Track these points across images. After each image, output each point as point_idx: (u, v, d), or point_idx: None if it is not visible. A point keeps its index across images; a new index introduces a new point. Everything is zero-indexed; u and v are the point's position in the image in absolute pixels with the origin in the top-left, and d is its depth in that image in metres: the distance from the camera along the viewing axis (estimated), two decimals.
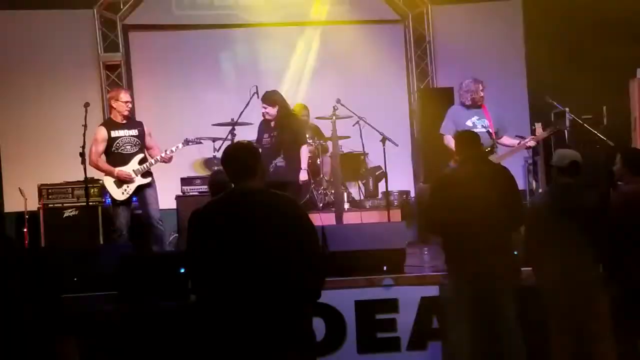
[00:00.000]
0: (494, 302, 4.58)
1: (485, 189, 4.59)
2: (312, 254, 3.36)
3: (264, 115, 7.18)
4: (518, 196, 4.88)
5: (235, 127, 7.71)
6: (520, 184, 6.77)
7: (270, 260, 3.25)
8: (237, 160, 3.46)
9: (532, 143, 7.15)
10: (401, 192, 8.62)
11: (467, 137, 4.95)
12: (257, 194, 3.40)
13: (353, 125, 8.12)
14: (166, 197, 7.76)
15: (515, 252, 4.82)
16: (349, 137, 8.40)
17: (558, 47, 9.13)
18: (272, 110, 7.12)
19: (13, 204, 8.03)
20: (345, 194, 8.35)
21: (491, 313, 4.58)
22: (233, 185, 3.48)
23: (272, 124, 7.18)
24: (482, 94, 7.04)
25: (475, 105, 7.03)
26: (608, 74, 8.67)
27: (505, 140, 7.18)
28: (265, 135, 7.19)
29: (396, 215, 7.98)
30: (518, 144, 7.13)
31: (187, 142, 7.16)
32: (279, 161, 7.17)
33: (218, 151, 8.26)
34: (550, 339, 4.65)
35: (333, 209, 7.89)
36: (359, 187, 8.93)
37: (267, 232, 3.27)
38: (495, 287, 4.59)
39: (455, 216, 4.55)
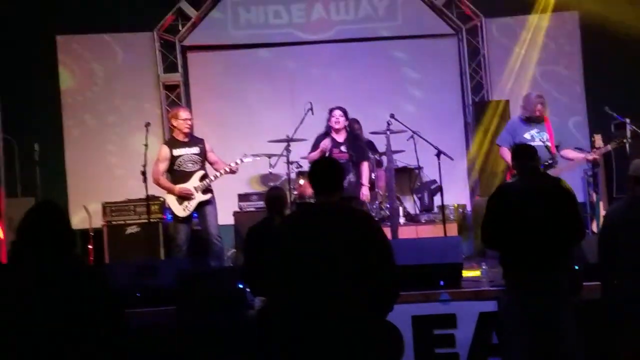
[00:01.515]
0: (553, 318, 4.51)
1: (543, 202, 4.53)
2: (386, 269, 3.41)
3: (335, 124, 7.25)
4: (577, 210, 4.79)
5: (290, 143, 7.79)
6: (580, 197, 6.67)
7: (344, 273, 3.31)
8: (324, 175, 3.56)
9: (594, 157, 6.95)
10: (457, 206, 8.56)
11: (523, 150, 4.89)
12: (337, 208, 3.51)
13: (407, 140, 8.12)
14: (223, 213, 7.87)
15: (576, 267, 4.73)
16: (403, 151, 8.40)
17: (616, 57, 8.97)
18: (345, 123, 7.29)
19: (78, 222, 8.28)
20: (400, 208, 8.33)
21: (551, 329, 4.51)
22: (316, 198, 3.59)
23: (340, 139, 7.23)
24: (541, 108, 6.90)
25: (536, 119, 6.90)
26: None
27: (568, 153, 7.00)
28: (336, 150, 7.28)
29: (452, 229, 7.92)
30: (581, 157, 6.98)
31: (245, 157, 7.25)
32: (351, 176, 7.32)
33: (274, 167, 8.38)
34: (619, 356, 4.53)
35: (388, 223, 7.89)
36: (414, 201, 8.91)
37: (343, 246, 3.34)
38: (555, 302, 4.51)
39: (513, 230, 4.51)
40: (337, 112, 7.34)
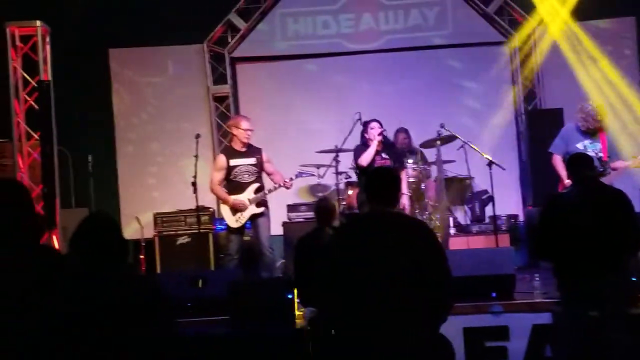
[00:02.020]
0: (608, 330, 4.39)
1: (598, 212, 4.44)
2: (442, 279, 3.39)
3: (379, 135, 7.20)
4: (635, 219, 4.67)
5: (339, 154, 7.79)
6: (638, 206, 6.47)
7: (400, 284, 3.29)
8: (379, 184, 3.57)
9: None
10: (509, 216, 8.43)
11: (579, 159, 4.80)
12: (392, 216, 3.51)
13: (458, 149, 8.04)
14: (273, 224, 7.89)
15: (634, 278, 4.61)
16: (453, 161, 8.32)
17: None
18: (379, 131, 7.23)
19: (130, 232, 8.41)
20: (450, 219, 8.24)
21: (606, 341, 4.39)
22: (369, 207, 3.59)
23: (379, 147, 7.22)
24: (598, 120, 6.75)
25: (593, 130, 6.76)
26: None
27: (618, 164, 6.87)
28: (378, 158, 7.24)
29: (504, 239, 7.80)
30: (628, 165, 6.82)
31: (299, 174, 7.33)
32: None
33: (322, 178, 8.38)
34: None
35: (438, 234, 7.80)
36: (465, 212, 8.80)
37: (399, 254, 3.34)
38: (610, 315, 4.40)
39: (567, 240, 4.42)
40: (376, 124, 7.25)
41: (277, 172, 7.09)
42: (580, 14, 9.03)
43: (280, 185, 7.00)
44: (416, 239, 3.40)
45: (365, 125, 7.45)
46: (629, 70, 9.11)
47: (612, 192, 4.77)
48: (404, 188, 7.20)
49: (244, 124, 7.06)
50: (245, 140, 7.01)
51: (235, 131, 7.07)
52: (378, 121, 7.32)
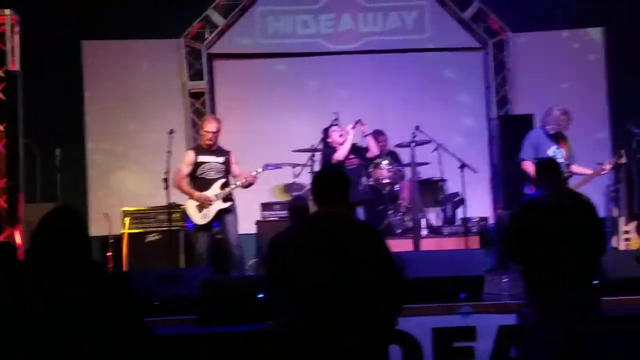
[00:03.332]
0: (574, 332, 4.48)
1: (568, 216, 4.51)
2: (389, 281, 3.36)
3: (353, 127, 7.47)
4: (600, 225, 4.77)
5: (315, 153, 7.81)
6: (601, 212, 6.60)
7: (347, 286, 3.26)
8: (325, 185, 3.52)
9: (606, 171, 6.90)
10: (480, 219, 8.52)
11: (548, 165, 4.88)
12: (338, 219, 3.43)
13: (432, 152, 8.12)
14: (246, 222, 7.90)
15: (596, 281, 4.70)
16: (427, 163, 8.39)
17: None
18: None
19: (98, 229, 8.34)
20: (423, 220, 8.31)
21: (571, 342, 4.47)
22: (316, 209, 3.54)
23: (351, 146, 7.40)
24: (567, 123, 6.87)
25: (559, 135, 6.87)
26: None
27: (577, 168, 7.00)
28: (352, 156, 7.38)
29: (474, 242, 7.88)
30: (593, 171, 6.93)
31: (266, 167, 7.30)
32: (364, 180, 7.71)
33: (298, 177, 8.39)
34: None
35: (411, 235, 7.87)
36: (437, 214, 8.88)
37: (344, 258, 3.29)
38: (578, 317, 4.48)
39: (538, 243, 4.49)
40: (336, 127, 7.63)
41: (242, 175, 7.07)
42: (550, 23, 9.17)
43: (246, 179, 6.98)
44: (363, 241, 3.35)
45: (326, 131, 7.60)
46: (597, 79, 9.25)
47: (579, 197, 4.86)
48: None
49: (208, 126, 7.04)
50: (208, 142, 6.99)
51: (201, 131, 7.11)
52: (338, 125, 7.60)
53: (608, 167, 6.86)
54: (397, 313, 3.41)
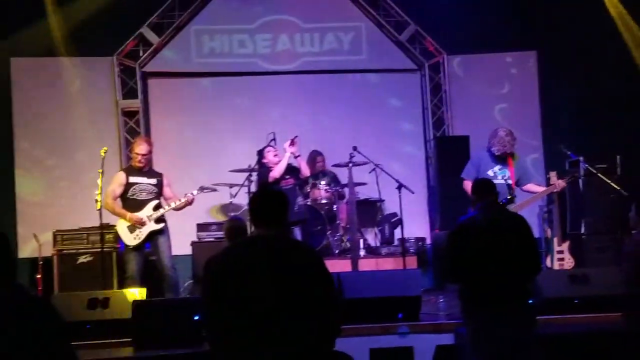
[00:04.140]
0: (510, 351, 4.51)
1: (503, 237, 4.55)
2: (327, 302, 3.31)
3: (290, 145, 7.50)
4: (535, 244, 4.83)
5: (252, 173, 7.75)
6: (535, 233, 6.72)
7: (284, 308, 3.20)
8: (263, 206, 3.44)
9: (560, 187, 7.03)
10: (417, 239, 8.58)
11: (482, 185, 4.92)
12: (276, 240, 3.36)
13: (369, 172, 8.16)
14: (182, 243, 7.77)
15: (530, 301, 4.75)
16: (365, 183, 8.43)
17: (572, 97, 9.19)
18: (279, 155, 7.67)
19: (28, 250, 8.04)
20: (361, 241, 8.32)
21: None
22: (253, 230, 3.47)
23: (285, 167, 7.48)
24: (512, 144, 6.99)
25: (503, 156, 6.98)
26: (622, 124, 8.71)
27: (531, 187, 7.12)
28: (287, 176, 7.43)
29: (412, 262, 7.94)
30: (546, 188, 7.08)
31: (202, 190, 7.19)
32: (300, 200, 7.75)
33: (234, 197, 8.31)
34: None
35: (349, 255, 7.86)
36: (375, 234, 8.91)
37: (282, 280, 3.22)
38: (512, 336, 4.51)
39: (473, 264, 4.51)
40: (270, 149, 7.72)
41: (174, 197, 6.96)
42: (485, 45, 9.37)
43: (180, 201, 6.87)
44: (302, 263, 3.30)
45: (261, 152, 7.58)
46: (530, 102, 9.49)
47: (513, 217, 4.92)
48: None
49: (138, 148, 6.91)
50: (139, 165, 6.88)
51: (131, 153, 6.97)
52: (272, 146, 7.68)
53: (561, 184, 6.98)
54: (335, 334, 3.36)
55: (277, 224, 3.39)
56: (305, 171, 7.76)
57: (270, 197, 3.50)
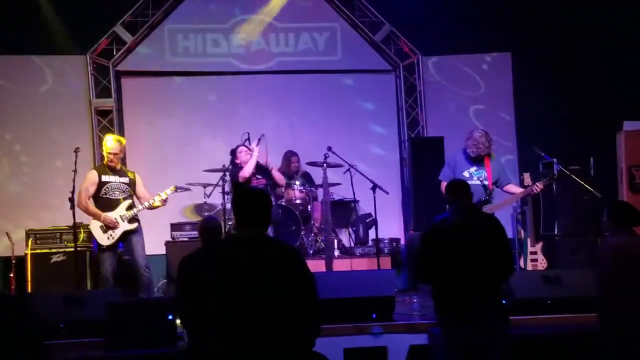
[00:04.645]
0: (483, 351, 4.55)
1: (476, 238, 4.58)
2: (308, 303, 3.32)
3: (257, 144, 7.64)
4: (508, 245, 4.87)
5: (226, 173, 7.73)
6: (509, 234, 6.79)
7: (265, 307, 3.20)
8: (246, 206, 3.44)
9: (538, 189, 7.07)
10: (391, 240, 8.62)
11: (455, 186, 4.96)
12: (257, 240, 3.35)
13: (344, 173, 8.18)
14: (156, 243, 7.73)
15: (504, 301, 4.79)
16: (339, 184, 8.45)
17: (546, 99, 9.28)
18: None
19: (1, 249, 7.93)
20: (335, 241, 8.34)
21: None
22: (233, 229, 3.46)
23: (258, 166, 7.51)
24: (487, 146, 7.01)
25: (479, 157, 7.02)
26: (595, 126, 8.82)
27: (511, 188, 7.15)
28: (253, 179, 7.62)
29: (386, 262, 7.96)
30: (524, 190, 7.12)
31: (176, 189, 7.15)
32: (274, 200, 7.75)
33: (209, 197, 8.28)
34: None
35: (323, 255, 7.87)
36: (349, 234, 8.93)
37: (262, 279, 3.22)
38: (486, 336, 4.55)
39: (446, 264, 4.54)
40: (243, 148, 7.83)
41: (146, 197, 6.91)
42: (461, 46, 9.44)
43: (154, 200, 6.83)
44: (284, 264, 3.30)
45: (234, 152, 7.61)
46: (505, 103, 9.58)
47: (486, 218, 4.97)
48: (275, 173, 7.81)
49: (110, 147, 6.82)
50: (111, 164, 6.81)
51: (103, 152, 6.95)
52: (246, 146, 7.76)
53: (539, 187, 7.03)
54: (316, 334, 3.38)
55: (261, 224, 3.40)
56: (281, 181, 7.83)
57: (254, 196, 3.49)
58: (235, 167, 7.61)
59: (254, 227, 3.36)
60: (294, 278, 3.28)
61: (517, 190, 7.14)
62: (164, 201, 6.88)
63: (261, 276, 3.22)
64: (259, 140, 7.54)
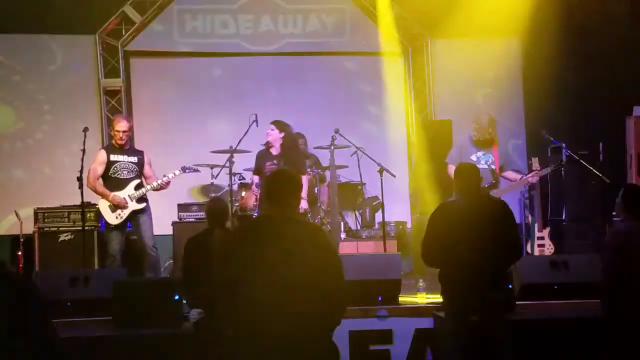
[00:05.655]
0: (488, 335, 4.56)
1: (483, 222, 4.58)
2: (334, 283, 3.35)
3: (267, 136, 7.24)
4: (516, 230, 4.88)
5: (234, 154, 7.72)
6: (517, 218, 6.78)
7: (291, 287, 3.24)
8: (275, 186, 3.47)
9: (533, 179, 7.11)
10: (398, 223, 8.62)
11: (465, 169, 4.94)
12: (285, 221, 3.40)
13: (351, 155, 8.16)
14: (163, 223, 7.75)
15: (510, 286, 4.80)
16: (346, 166, 8.43)
17: (556, 84, 9.20)
18: (277, 135, 7.23)
19: (9, 227, 7.97)
20: (341, 224, 8.34)
21: (486, 346, 4.55)
22: (265, 209, 3.52)
23: (275, 152, 7.24)
24: (492, 131, 7.01)
25: (484, 142, 7.02)
26: (605, 111, 8.75)
27: (509, 174, 7.18)
28: (268, 163, 7.28)
29: (392, 246, 7.96)
30: (520, 179, 7.14)
31: (184, 170, 7.16)
32: None
33: (216, 178, 8.28)
34: None
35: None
36: (356, 217, 8.93)
37: (290, 260, 3.26)
38: (490, 320, 4.57)
39: (452, 248, 4.54)
40: (270, 127, 7.31)
41: (154, 176, 6.94)
42: (471, 30, 9.35)
43: (156, 185, 6.84)
44: (312, 243, 3.34)
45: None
46: (513, 88, 9.51)
47: (494, 202, 4.96)
48: (303, 193, 7.21)
49: (117, 125, 6.86)
50: (120, 142, 6.83)
51: (112, 131, 6.95)
52: (274, 122, 7.36)
53: (543, 174, 7.02)
54: (340, 315, 3.41)
55: (289, 205, 3.45)
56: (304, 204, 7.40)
57: (283, 177, 3.56)
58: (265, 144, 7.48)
59: (281, 207, 3.39)
60: (321, 258, 3.32)
61: (514, 176, 7.13)
62: (167, 183, 6.89)
63: (285, 256, 3.25)
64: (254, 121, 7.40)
